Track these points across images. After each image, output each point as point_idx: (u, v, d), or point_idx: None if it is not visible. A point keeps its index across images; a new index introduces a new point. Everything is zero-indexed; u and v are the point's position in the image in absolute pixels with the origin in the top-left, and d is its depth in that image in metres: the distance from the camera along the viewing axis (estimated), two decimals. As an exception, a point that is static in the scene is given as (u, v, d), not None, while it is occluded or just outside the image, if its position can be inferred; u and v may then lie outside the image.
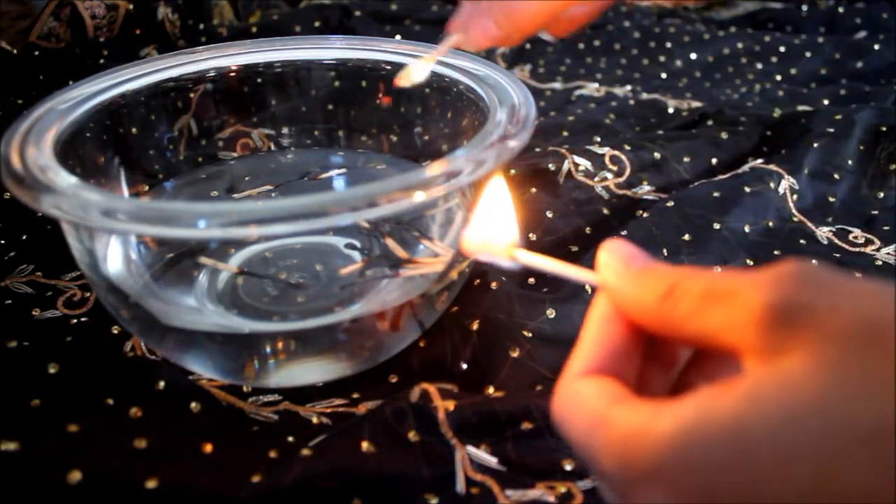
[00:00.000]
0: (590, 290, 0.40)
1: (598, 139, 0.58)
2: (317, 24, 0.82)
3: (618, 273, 0.20)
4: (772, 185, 0.50)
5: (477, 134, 0.29)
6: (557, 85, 0.73)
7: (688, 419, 0.15)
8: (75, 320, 0.38)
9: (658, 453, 0.15)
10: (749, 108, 0.67)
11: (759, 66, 0.82)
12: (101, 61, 0.70)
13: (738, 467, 0.14)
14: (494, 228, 0.23)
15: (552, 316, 0.37)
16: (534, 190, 0.51)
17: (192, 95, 0.42)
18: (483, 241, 0.22)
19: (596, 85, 0.72)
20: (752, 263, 0.45)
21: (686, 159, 0.54)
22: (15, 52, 0.70)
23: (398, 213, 0.26)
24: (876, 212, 0.52)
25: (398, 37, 0.72)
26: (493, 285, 0.38)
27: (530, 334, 0.36)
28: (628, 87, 0.73)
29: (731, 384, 0.15)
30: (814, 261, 0.46)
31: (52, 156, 0.29)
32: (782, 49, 0.83)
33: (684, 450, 0.15)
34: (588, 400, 0.18)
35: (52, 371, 0.33)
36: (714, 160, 0.55)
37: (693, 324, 0.17)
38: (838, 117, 0.56)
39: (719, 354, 0.19)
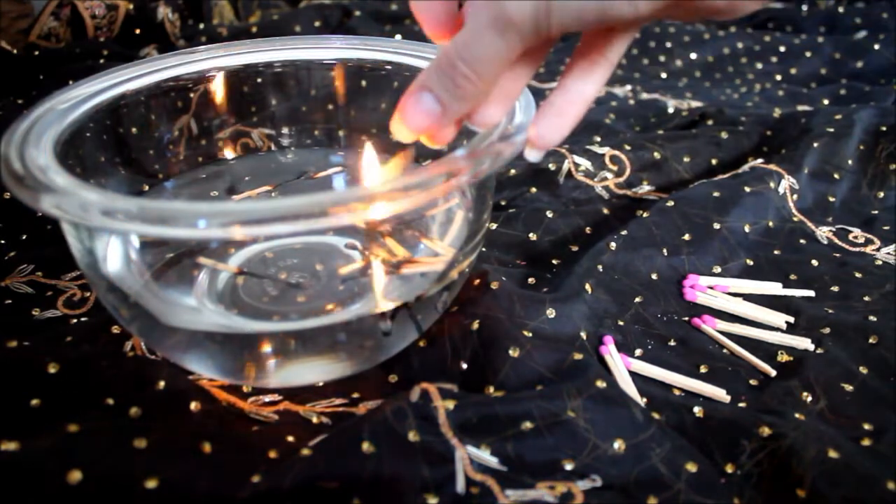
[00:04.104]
0: (589, 290, 0.40)
1: (598, 139, 0.58)
2: (317, 24, 0.83)
3: None
4: (772, 184, 0.50)
5: (477, 134, 0.29)
6: (557, 85, 0.73)
7: None
8: (75, 320, 0.38)
9: None
10: (749, 107, 0.67)
11: (759, 66, 0.83)
12: (101, 61, 0.70)
13: None
14: None
15: (552, 316, 0.37)
16: (534, 190, 0.51)
17: (192, 95, 0.42)
18: None
19: (596, 85, 0.72)
20: (751, 263, 0.45)
21: (686, 159, 0.54)
22: (15, 52, 0.70)
23: (398, 213, 0.26)
24: (876, 212, 0.52)
25: (398, 37, 0.72)
26: (494, 285, 0.38)
27: (530, 334, 0.36)
28: (628, 87, 0.73)
29: None
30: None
31: (52, 156, 0.29)
32: (782, 49, 0.83)
33: None
34: None
35: (52, 371, 0.33)
36: (714, 160, 0.55)
37: None
38: (838, 117, 0.56)
39: None
